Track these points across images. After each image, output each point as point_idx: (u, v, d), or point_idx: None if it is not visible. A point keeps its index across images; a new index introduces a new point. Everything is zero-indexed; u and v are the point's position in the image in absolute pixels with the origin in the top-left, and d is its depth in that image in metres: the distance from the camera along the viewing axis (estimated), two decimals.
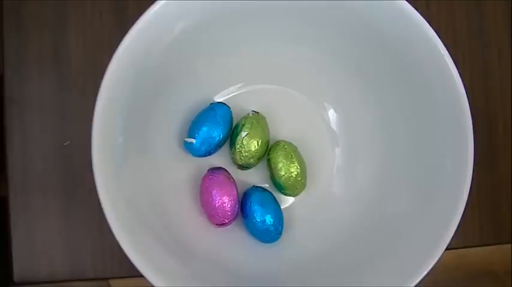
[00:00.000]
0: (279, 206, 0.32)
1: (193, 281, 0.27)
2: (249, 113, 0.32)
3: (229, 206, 0.30)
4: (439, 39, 0.27)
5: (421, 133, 0.30)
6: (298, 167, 0.32)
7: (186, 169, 0.32)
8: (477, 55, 0.39)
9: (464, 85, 0.27)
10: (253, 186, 0.32)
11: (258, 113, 0.32)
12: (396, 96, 0.31)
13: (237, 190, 0.31)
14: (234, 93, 0.33)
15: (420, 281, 0.26)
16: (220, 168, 0.32)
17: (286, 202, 0.34)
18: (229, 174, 0.32)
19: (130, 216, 0.26)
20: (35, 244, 0.33)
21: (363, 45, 0.30)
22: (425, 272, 0.26)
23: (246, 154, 0.31)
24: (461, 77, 0.27)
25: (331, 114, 0.34)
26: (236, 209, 0.31)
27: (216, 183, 0.31)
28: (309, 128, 0.34)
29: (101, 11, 0.35)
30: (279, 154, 0.32)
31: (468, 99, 0.27)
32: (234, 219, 0.31)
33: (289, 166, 0.32)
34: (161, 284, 0.25)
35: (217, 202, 0.30)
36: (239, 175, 0.33)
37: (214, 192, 0.30)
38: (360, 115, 0.33)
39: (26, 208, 0.33)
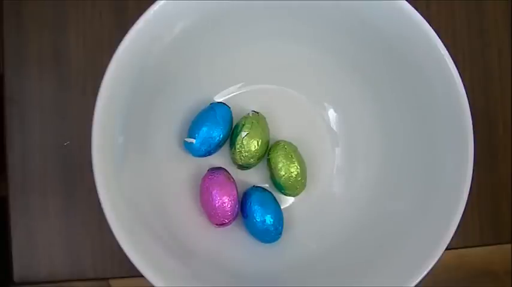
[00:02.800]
0: (279, 206, 0.32)
1: (193, 281, 0.27)
2: (249, 113, 0.32)
3: (229, 206, 0.30)
4: (439, 39, 0.27)
5: (421, 133, 0.30)
6: (298, 167, 0.32)
7: (186, 169, 0.32)
8: (477, 55, 0.39)
9: (464, 85, 0.27)
10: (253, 186, 0.32)
11: (258, 113, 0.32)
12: (396, 96, 0.31)
13: (237, 190, 0.31)
14: (234, 93, 0.33)
15: (420, 281, 0.26)
16: (220, 168, 0.32)
17: (286, 202, 0.34)
18: (229, 174, 0.32)
19: (131, 216, 0.26)
20: (35, 244, 0.33)
21: (363, 45, 0.30)
22: (425, 272, 0.26)
23: (246, 154, 0.31)
24: (461, 77, 0.27)
25: (331, 114, 0.34)
26: (236, 209, 0.31)
27: (216, 183, 0.31)
28: (309, 128, 0.34)
29: (101, 11, 0.35)
30: (279, 154, 0.32)
31: (468, 99, 0.27)
32: (234, 219, 0.31)
33: (289, 166, 0.32)
34: (161, 284, 0.25)
35: (217, 202, 0.30)
36: (239, 175, 0.33)
37: (214, 192, 0.30)
38: (360, 115, 0.33)
39: (26, 208, 0.33)
